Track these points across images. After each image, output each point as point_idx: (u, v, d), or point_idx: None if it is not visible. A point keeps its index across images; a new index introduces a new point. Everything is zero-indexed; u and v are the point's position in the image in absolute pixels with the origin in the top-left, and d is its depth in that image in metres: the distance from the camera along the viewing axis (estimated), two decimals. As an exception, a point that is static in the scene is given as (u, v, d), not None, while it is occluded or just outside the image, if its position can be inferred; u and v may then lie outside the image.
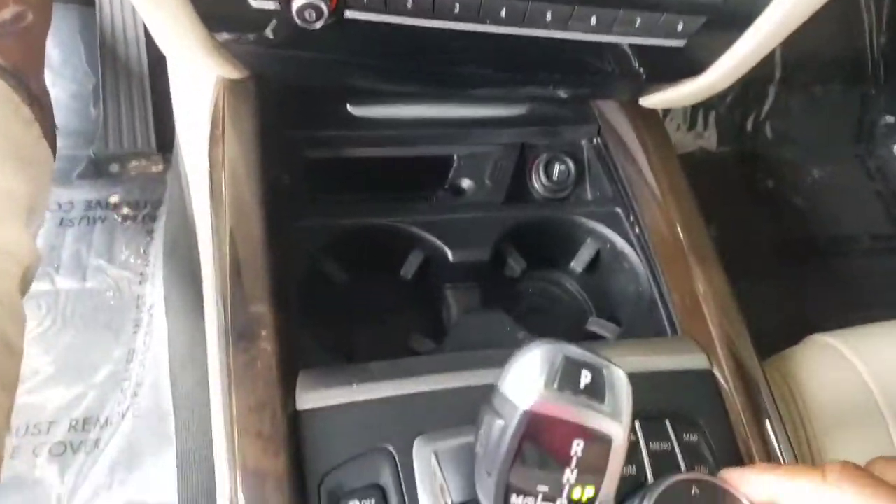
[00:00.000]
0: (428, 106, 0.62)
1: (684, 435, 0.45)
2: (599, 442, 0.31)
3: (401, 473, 0.41)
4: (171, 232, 0.95)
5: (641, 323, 0.55)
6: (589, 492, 0.32)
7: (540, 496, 0.32)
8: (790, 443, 0.48)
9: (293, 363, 0.45)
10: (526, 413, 0.31)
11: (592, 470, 0.32)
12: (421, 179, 0.62)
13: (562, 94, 0.58)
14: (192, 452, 0.82)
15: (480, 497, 0.33)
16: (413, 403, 0.44)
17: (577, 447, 0.31)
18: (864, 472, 0.34)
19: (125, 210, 1.02)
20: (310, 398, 0.43)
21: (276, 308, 0.46)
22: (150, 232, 1.00)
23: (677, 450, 0.44)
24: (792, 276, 1.06)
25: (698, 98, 0.56)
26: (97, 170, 1.04)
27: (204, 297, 0.51)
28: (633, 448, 0.44)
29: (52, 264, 0.96)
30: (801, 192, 1.17)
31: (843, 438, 0.37)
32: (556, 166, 0.63)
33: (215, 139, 0.54)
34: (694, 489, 0.40)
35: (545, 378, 0.31)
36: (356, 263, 0.58)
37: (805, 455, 0.54)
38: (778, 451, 0.47)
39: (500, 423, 0.32)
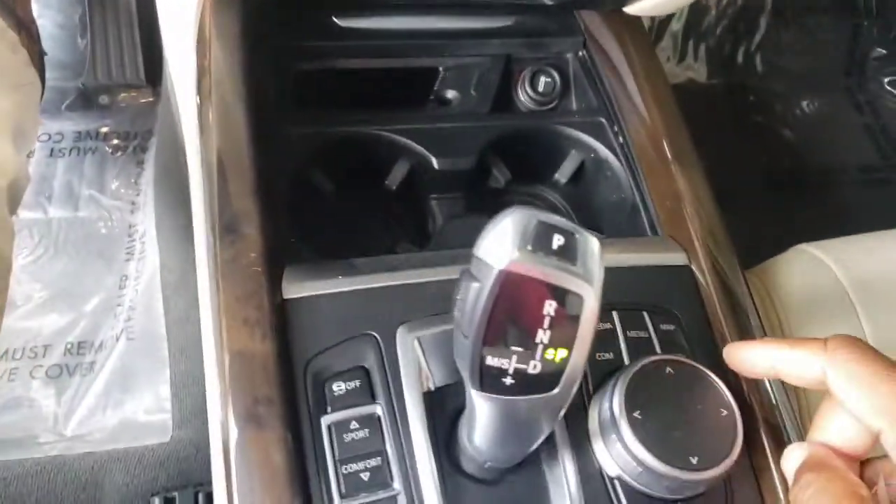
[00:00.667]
0: (414, 17, 0.62)
1: (661, 325, 0.46)
2: (571, 302, 0.32)
3: (384, 357, 0.43)
4: (161, 160, 0.95)
5: (623, 230, 0.56)
6: (561, 353, 0.33)
7: (514, 357, 0.33)
8: (765, 334, 0.50)
9: (279, 257, 0.46)
10: (500, 273, 0.31)
11: (564, 331, 0.33)
12: (407, 91, 0.62)
13: (546, 0, 0.58)
14: (186, 374, 0.84)
15: (458, 361, 0.34)
16: (397, 294, 0.45)
17: (550, 307, 0.32)
18: (865, 344, 0.35)
19: (115, 141, 1.01)
20: (296, 288, 0.44)
21: (261, 204, 0.47)
22: (141, 163, 1.00)
23: (654, 338, 0.46)
24: (779, 208, 1.06)
25: (681, 3, 0.56)
26: (86, 101, 1.03)
27: (192, 201, 0.52)
28: (610, 335, 0.46)
29: (44, 194, 0.96)
30: (789, 125, 1.17)
31: (817, 333, 0.38)
32: (542, 79, 0.63)
33: (202, 48, 0.54)
34: (668, 369, 0.42)
35: (519, 240, 0.31)
36: (343, 173, 0.58)
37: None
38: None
39: (476, 285, 0.33)
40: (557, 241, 0.32)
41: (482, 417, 0.35)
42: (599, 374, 0.44)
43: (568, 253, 0.32)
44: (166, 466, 0.79)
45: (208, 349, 0.43)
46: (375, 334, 0.43)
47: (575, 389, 0.33)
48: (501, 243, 0.32)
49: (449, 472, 0.40)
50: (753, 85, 1.16)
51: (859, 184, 1.13)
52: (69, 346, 0.87)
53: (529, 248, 0.32)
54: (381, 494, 0.39)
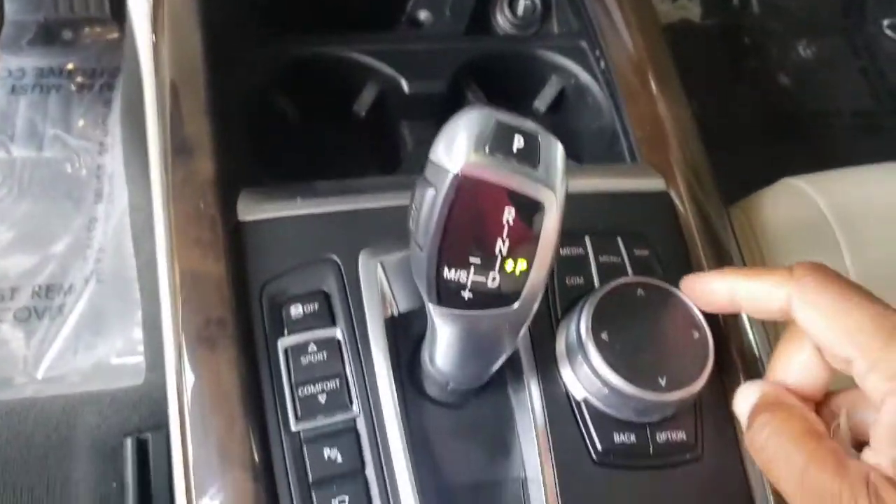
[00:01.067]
0: (385, -67, 0.59)
1: (635, 250, 0.44)
2: (531, 209, 0.30)
3: (346, 282, 0.41)
4: (127, 98, 0.91)
5: (603, 159, 0.54)
6: (521, 265, 0.31)
7: (472, 269, 0.31)
8: (744, 262, 0.48)
9: (235, 181, 0.43)
10: (456, 177, 0.29)
11: (524, 241, 0.30)
12: (377, 11, 0.59)
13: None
14: (158, 316, 0.82)
15: (415, 276, 0.32)
16: (360, 218, 0.43)
17: (509, 214, 0.30)
18: (833, 270, 0.33)
19: (80, 79, 0.97)
20: (252, 210, 0.42)
21: (214, 125, 0.44)
22: (108, 102, 0.96)
23: (627, 263, 0.44)
24: (771, 152, 1.04)
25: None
26: (49, 37, 0.99)
27: (147, 126, 0.49)
28: (581, 260, 0.44)
29: (5, 132, 0.92)
30: (785, 68, 1.14)
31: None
32: (521, 1, 0.60)
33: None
34: (639, 291, 0.40)
35: (476, 141, 0.29)
36: (308, 98, 0.55)
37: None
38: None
39: (430, 191, 0.30)
40: (518, 142, 0.30)
41: (442, 335, 0.34)
42: (569, 299, 0.42)
43: (529, 156, 0.30)
44: (139, 408, 0.78)
45: (162, 271, 0.41)
46: (336, 258, 0.41)
47: (536, 306, 0.32)
48: (457, 145, 0.30)
49: (411, 397, 0.39)
50: (749, 25, 1.12)
51: (853, 128, 1.10)
52: (37, 288, 0.85)
53: (487, 149, 0.30)
54: (339, 417, 0.37)
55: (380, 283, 0.41)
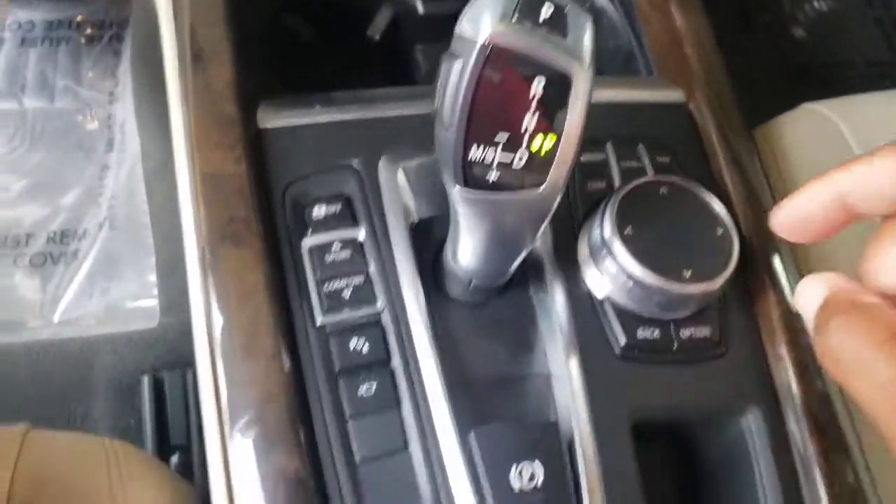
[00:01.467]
0: None
1: (657, 157, 0.44)
2: (559, 82, 0.30)
3: (367, 187, 0.40)
4: (137, 47, 0.91)
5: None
6: (548, 143, 0.31)
7: (499, 146, 0.31)
8: (765, 176, 0.48)
9: (254, 92, 0.43)
10: (483, 47, 0.29)
11: (552, 116, 0.30)
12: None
13: None
14: (172, 261, 0.82)
15: (440, 161, 0.32)
16: (378, 126, 0.43)
17: (537, 86, 0.29)
18: None
19: (90, 31, 0.97)
20: (271, 118, 0.42)
21: (233, 34, 0.44)
22: (118, 53, 0.96)
23: (648, 167, 0.43)
24: (785, 105, 1.03)
25: None
26: (57, -11, 0.99)
27: (161, 37, 0.49)
28: (602, 165, 0.44)
29: (16, 84, 0.93)
30: (798, 20, 1.12)
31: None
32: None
33: None
34: (662, 190, 0.40)
35: (503, 11, 0.29)
36: (322, 21, 0.55)
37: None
38: (752, 179, 0.46)
39: (457, 64, 0.30)
40: (546, 12, 0.29)
41: (466, 227, 0.33)
42: (590, 204, 0.42)
43: (558, 25, 0.30)
44: (155, 349, 0.78)
45: (182, 176, 0.41)
46: (356, 164, 0.41)
47: (561, 190, 0.31)
48: (484, 16, 0.29)
49: (434, 297, 0.39)
50: (761, -23, 1.11)
51: (866, 79, 1.09)
52: (52, 234, 0.85)
53: (515, 18, 0.29)
54: (365, 311, 0.37)
55: (400, 188, 0.40)
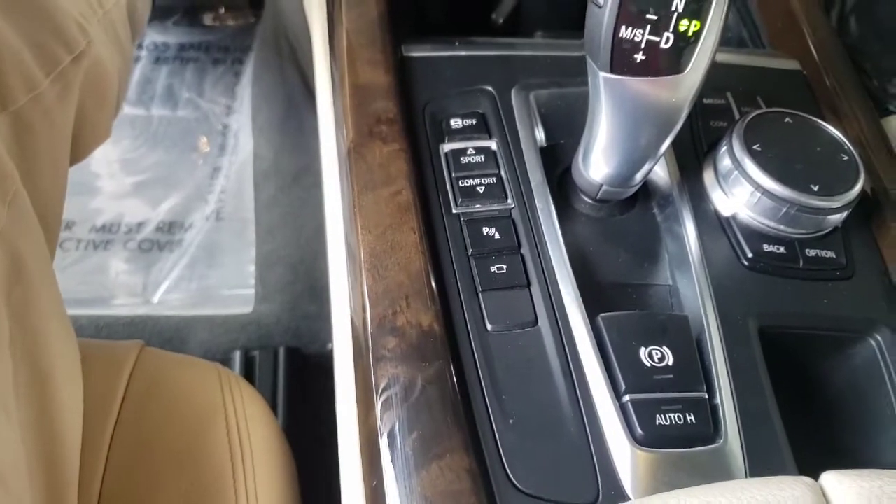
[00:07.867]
0: None
1: (774, 107, 0.46)
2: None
3: (500, 108, 0.43)
4: (261, 56, 1.00)
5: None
6: (694, 26, 0.33)
7: (648, 27, 0.33)
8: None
9: (399, 30, 0.48)
10: (642, -73, 0.32)
11: (699, 3, 0.33)
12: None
13: None
14: (272, 254, 0.86)
15: (589, 45, 0.35)
16: (513, 61, 0.46)
17: (685, -25, 0.32)
18: None
19: (216, 54, 1.07)
20: (415, 49, 0.46)
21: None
22: (238, 74, 1.05)
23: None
24: None
25: None
26: (192, 19, 1.10)
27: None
28: (724, 108, 0.46)
29: (147, 94, 1.02)
30: None
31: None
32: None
33: None
34: (787, 119, 0.41)
35: None
36: (449, 4, 0.60)
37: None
38: (864, 138, 0.46)
39: (616, -56, 0.33)
40: None
41: (603, 113, 0.35)
42: (713, 139, 0.43)
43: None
44: (248, 331, 0.81)
45: (322, 89, 0.45)
46: (491, 88, 0.44)
47: (699, 86, 0.33)
48: None
49: (562, 207, 0.41)
50: None
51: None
52: (161, 224, 0.91)
53: None
54: (496, 206, 0.39)
55: (532, 109, 0.43)
